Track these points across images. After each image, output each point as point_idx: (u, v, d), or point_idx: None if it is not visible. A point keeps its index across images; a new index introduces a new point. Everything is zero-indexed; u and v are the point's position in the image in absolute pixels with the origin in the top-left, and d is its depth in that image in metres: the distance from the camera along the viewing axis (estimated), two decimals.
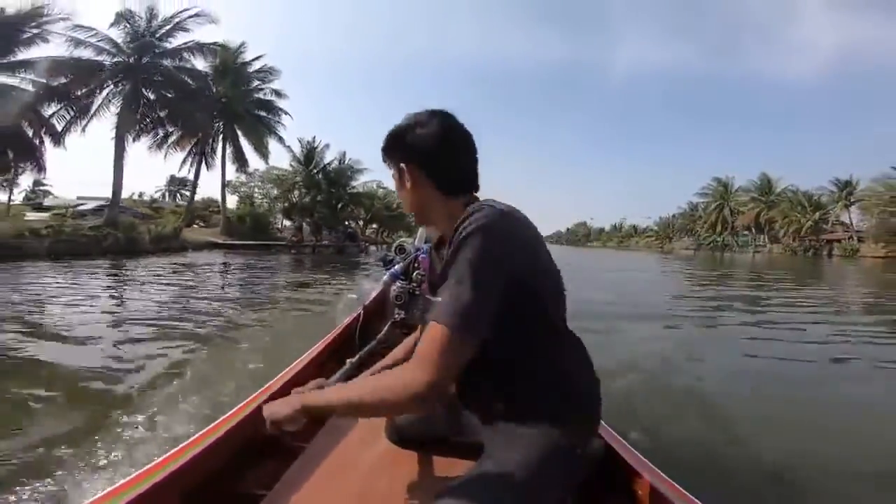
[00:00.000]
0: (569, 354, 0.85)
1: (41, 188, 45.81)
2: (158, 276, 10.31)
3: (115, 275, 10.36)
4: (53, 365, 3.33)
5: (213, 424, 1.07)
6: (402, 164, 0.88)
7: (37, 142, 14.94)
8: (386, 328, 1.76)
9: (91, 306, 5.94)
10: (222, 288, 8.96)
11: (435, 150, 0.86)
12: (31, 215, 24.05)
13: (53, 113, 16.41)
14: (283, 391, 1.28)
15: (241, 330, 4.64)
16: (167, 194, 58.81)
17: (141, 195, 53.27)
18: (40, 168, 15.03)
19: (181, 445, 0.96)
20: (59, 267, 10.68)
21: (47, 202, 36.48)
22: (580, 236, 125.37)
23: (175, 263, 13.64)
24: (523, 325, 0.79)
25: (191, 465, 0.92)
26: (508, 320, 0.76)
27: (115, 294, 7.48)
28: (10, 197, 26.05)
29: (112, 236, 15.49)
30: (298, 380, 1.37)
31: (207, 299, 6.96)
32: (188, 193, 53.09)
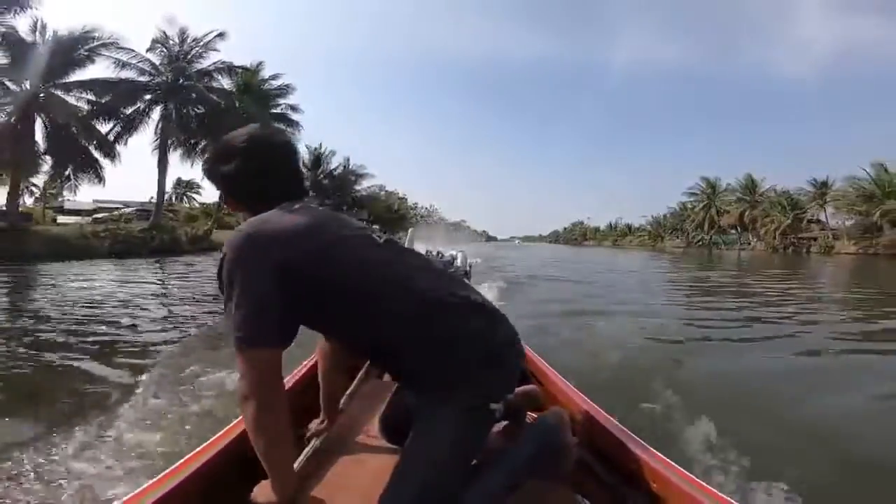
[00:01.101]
0: (424, 324, 0.82)
1: (52, 192, 47.19)
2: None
3: (190, 266, 12.51)
4: None
5: (217, 435, 1.08)
6: (219, 191, 1.00)
7: (100, 156, 17.04)
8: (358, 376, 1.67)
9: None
10: None
11: (237, 180, 0.92)
12: (63, 219, 25.96)
13: (110, 130, 18.49)
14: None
15: None
16: (174, 196, 60.36)
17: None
18: (100, 179, 17.11)
19: (186, 457, 0.97)
20: (143, 264, 12.81)
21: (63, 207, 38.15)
22: (577, 235, 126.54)
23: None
24: (349, 312, 0.82)
25: (193, 477, 0.93)
26: (329, 310, 0.82)
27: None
28: (44, 204, 27.96)
29: (158, 238, 17.62)
30: (297, 387, 1.40)
31: None
32: (194, 195, 55.08)
